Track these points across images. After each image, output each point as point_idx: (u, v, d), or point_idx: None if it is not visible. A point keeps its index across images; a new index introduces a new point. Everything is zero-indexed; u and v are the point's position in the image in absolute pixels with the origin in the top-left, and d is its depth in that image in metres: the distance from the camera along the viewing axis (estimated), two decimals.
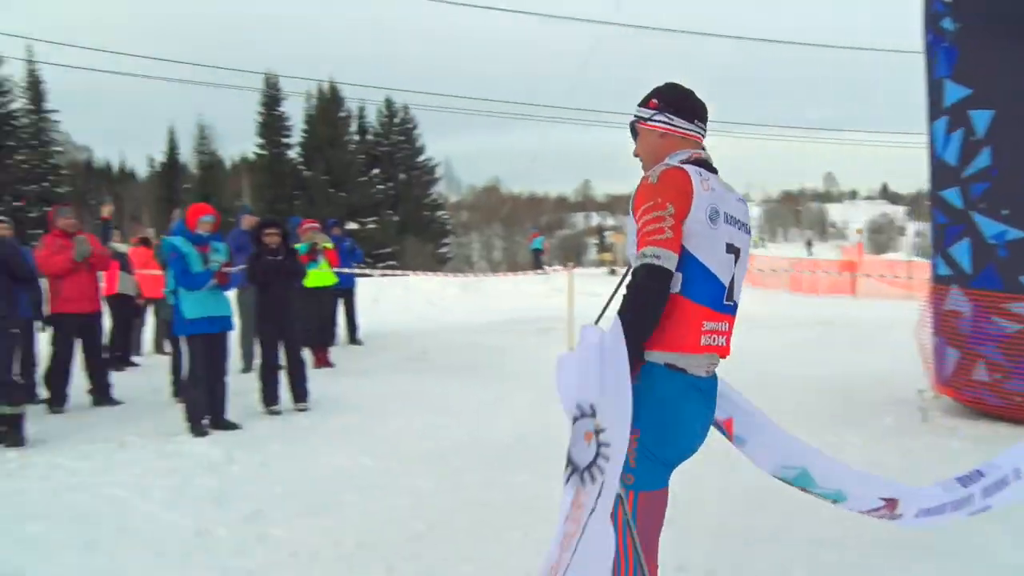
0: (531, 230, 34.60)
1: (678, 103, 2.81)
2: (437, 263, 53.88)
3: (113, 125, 77.65)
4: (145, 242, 11.71)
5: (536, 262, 29.68)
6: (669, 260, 2.48)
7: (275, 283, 7.99)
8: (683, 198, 2.54)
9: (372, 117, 60.01)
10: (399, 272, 20.28)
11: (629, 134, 2.94)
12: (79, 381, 8.60)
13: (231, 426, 7.29)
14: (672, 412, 2.59)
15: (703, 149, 2.83)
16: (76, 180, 57.48)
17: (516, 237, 77.71)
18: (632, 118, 2.90)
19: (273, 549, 4.51)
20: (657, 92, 2.85)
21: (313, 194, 54.82)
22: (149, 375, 10.23)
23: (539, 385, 9.44)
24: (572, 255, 58.20)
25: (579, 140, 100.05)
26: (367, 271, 15.71)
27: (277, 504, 5.25)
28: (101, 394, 8.54)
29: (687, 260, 2.56)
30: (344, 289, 12.44)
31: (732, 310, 2.74)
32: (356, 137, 59.35)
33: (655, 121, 2.82)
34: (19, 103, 51.70)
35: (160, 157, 64.74)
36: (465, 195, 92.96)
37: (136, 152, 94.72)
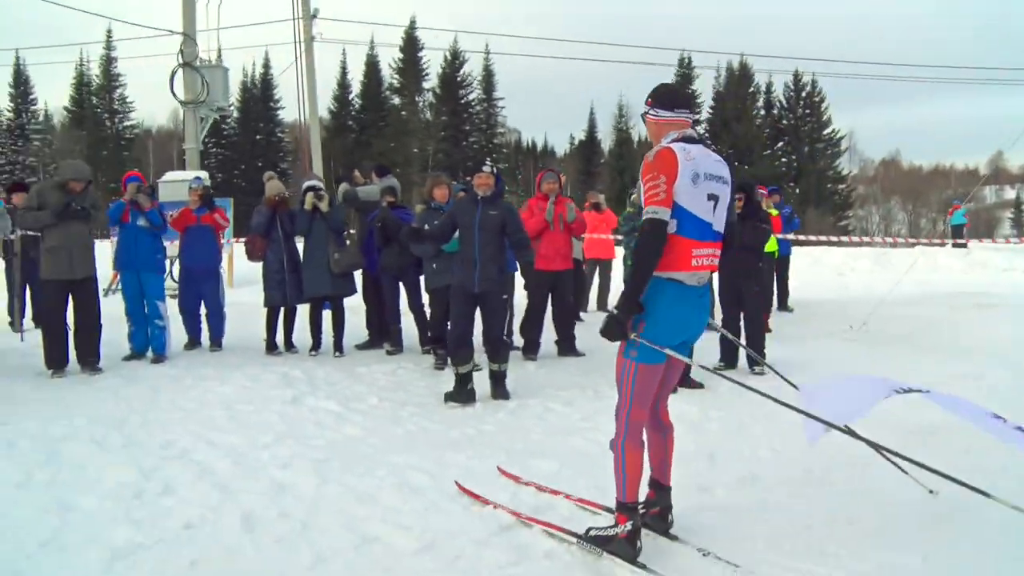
0: (953, 202, 30.49)
1: (662, 99, 3.60)
2: (838, 235, 50.83)
3: (539, 109, 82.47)
4: (596, 207, 11.92)
5: (957, 235, 26.20)
6: (664, 213, 3.35)
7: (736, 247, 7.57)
8: (671, 170, 3.36)
9: (779, 91, 57.65)
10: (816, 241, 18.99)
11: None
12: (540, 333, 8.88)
13: (696, 384, 7.03)
14: (668, 310, 3.48)
15: (691, 128, 3.58)
16: (509, 158, 62.33)
17: (920, 209, 70.75)
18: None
19: (787, 517, 4.09)
20: (651, 92, 3.66)
21: None
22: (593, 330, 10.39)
23: (1011, 364, 8.07)
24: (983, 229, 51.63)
25: (988, 108, 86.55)
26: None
27: (769, 468, 4.86)
28: (567, 345, 8.76)
29: (679, 210, 3.39)
30: (782, 256, 11.75)
31: (717, 238, 3.56)
32: (762, 112, 57.39)
33: (650, 115, 3.63)
34: (475, 94, 57.36)
35: (580, 136, 67.74)
36: (864, 168, 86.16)
37: (557, 133, 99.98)
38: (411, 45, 56.35)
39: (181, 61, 16.45)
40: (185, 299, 9.02)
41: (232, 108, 18.09)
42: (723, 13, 76.83)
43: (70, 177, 7.68)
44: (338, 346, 8.87)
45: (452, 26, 73.21)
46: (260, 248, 8.86)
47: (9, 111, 60.00)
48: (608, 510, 3.92)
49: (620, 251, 12.65)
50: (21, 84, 59.60)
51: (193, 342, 9.09)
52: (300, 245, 8.99)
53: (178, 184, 13.91)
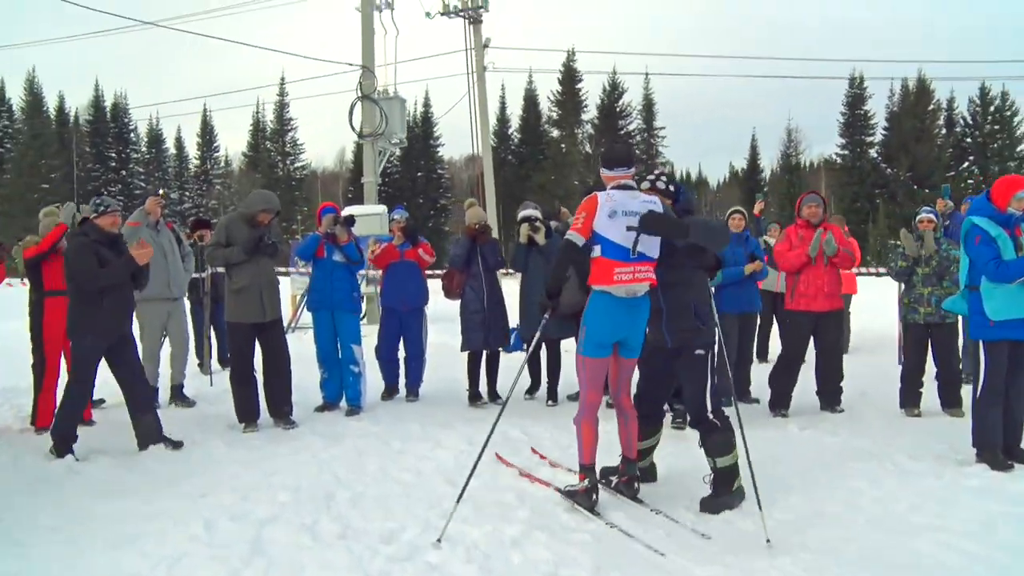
0: None
1: (606, 160, 4.63)
2: None
3: (691, 137, 79.69)
4: None
5: None
6: (577, 239, 4.43)
7: None
8: (591, 209, 4.44)
9: (963, 107, 52.93)
10: None
11: None
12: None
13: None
14: (599, 315, 4.51)
15: (629, 179, 4.60)
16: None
17: None
18: None
19: None
20: (602, 154, 4.74)
21: (895, 191, 50.33)
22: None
23: None
24: None
25: None
26: None
27: None
28: (831, 398, 7.18)
29: (600, 239, 4.43)
30: None
31: (643, 259, 4.48)
32: (943, 131, 52.85)
33: (601, 170, 4.66)
34: (635, 124, 56.13)
35: (739, 163, 65.02)
36: None
37: (711, 161, 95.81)
38: (569, 77, 55.76)
39: (360, 94, 16.02)
40: (384, 344, 8.05)
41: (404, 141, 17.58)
42: (896, 26, 70.36)
43: (260, 208, 6.84)
44: (552, 394, 7.75)
45: (609, 58, 71.82)
46: (459, 284, 7.83)
47: (196, 158, 63.99)
48: None
49: (866, 285, 10.88)
50: (207, 133, 63.49)
51: (391, 391, 8.12)
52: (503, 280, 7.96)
53: (362, 218, 13.22)
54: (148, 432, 6.05)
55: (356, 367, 7.51)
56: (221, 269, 7.70)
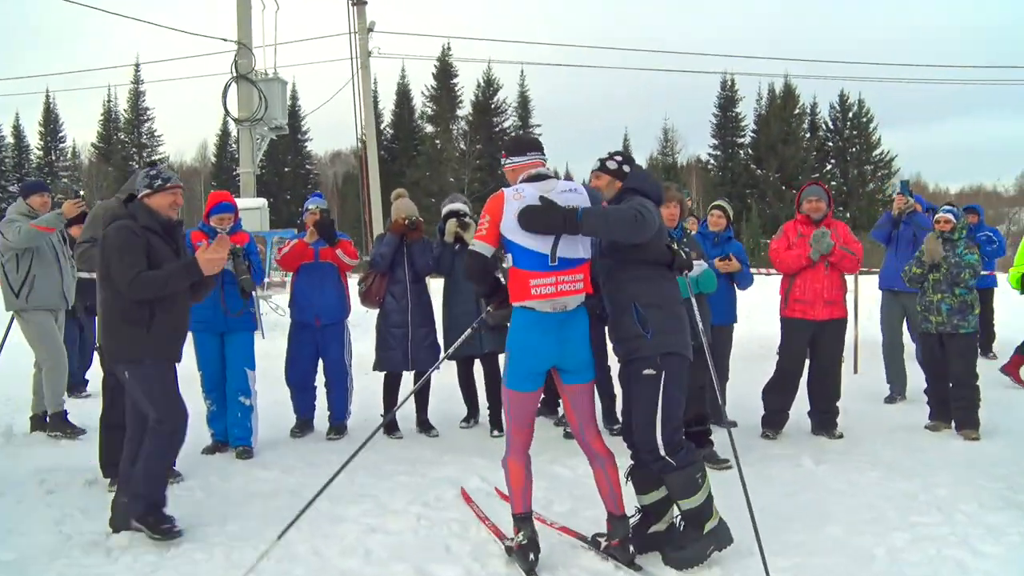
0: None
1: (513, 147, 3.91)
2: None
3: (568, 136, 79.33)
4: None
5: None
6: (483, 248, 3.67)
7: None
8: (496, 210, 3.64)
9: (825, 112, 55.02)
10: None
11: None
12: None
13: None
14: (523, 338, 3.67)
15: (542, 166, 3.82)
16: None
17: None
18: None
19: None
20: (503, 146, 4.03)
21: (765, 191, 51.75)
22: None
23: None
24: None
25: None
26: None
27: None
28: (826, 419, 6.21)
29: (511, 246, 3.63)
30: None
31: (566, 266, 3.62)
32: (807, 134, 54.79)
33: (507, 165, 3.90)
34: (510, 121, 55.35)
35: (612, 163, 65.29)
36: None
37: (579, 163, 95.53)
38: (444, 72, 54.36)
39: (236, 73, 14.17)
40: (295, 367, 6.48)
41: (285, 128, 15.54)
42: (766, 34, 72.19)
43: None
44: (496, 422, 6.44)
45: (486, 49, 70.76)
46: (379, 290, 6.43)
47: (39, 149, 58.61)
48: None
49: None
50: (51, 122, 58.31)
51: (304, 426, 6.56)
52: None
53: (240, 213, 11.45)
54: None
55: (247, 399, 5.94)
56: (92, 274, 5.89)
